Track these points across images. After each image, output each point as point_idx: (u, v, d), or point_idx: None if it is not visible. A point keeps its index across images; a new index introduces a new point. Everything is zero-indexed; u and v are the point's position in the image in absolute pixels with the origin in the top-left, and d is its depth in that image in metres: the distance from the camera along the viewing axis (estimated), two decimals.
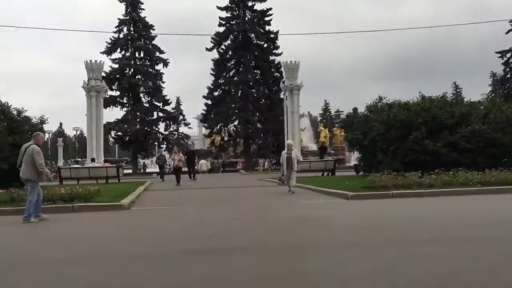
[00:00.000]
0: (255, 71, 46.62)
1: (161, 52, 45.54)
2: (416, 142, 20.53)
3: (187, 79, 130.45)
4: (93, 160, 28.14)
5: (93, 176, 24.65)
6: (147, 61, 45.57)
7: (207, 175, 35.40)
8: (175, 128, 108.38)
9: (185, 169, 25.89)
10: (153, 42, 45.80)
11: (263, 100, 45.95)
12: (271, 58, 46.12)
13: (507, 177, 15.44)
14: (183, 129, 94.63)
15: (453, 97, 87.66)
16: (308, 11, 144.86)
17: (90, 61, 31.40)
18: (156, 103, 46.06)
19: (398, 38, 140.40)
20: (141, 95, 45.17)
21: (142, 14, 45.49)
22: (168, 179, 25.70)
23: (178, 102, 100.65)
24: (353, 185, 15.89)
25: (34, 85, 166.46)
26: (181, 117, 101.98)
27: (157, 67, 45.84)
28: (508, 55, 56.33)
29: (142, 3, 45.40)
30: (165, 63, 45.33)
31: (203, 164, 40.51)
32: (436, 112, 20.97)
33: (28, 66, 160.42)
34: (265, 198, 15.02)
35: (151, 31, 45.43)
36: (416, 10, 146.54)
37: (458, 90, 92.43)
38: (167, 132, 46.89)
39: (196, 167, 31.81)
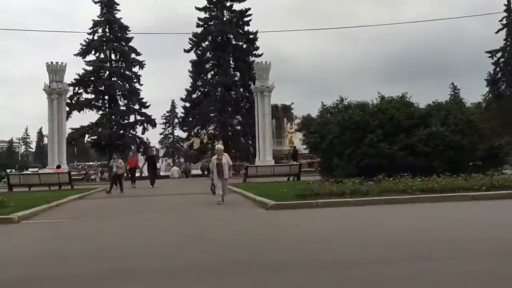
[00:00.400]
0: (235, 72, 45.63)
1: (138, 54, 44.60)
2: (371, 145, 19.40)
3: (182, 81, 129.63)
4: (43, 166, 27.12)
5: (44, 182, 23.63)
6: (123, 63, 44.59)
7: (172, 180, 34.29)
8: (170, 131, 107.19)
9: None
10: (130, 44, 44.84)
11: (243, 102, 44.89)
12: (252, 59, 45.03)
13: (451, 183, 14.25)
14: (178, 132, 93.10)
15: (451, 98, 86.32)
16: (310, 12, 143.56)
17: (52, 62, 30.42)
18: (134, 106, 45.04)
19: (400, 40, 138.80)
20: (118, 97, 44.16)
21: (118, 15, 44.57)
22: (126, 185, 24.54)
23: (173, 105, 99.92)
24: (289, 193, 14.69)
25: (34, 89, 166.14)
26: (176, 120, 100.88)
27: (134, 69, 44.88)
28: (498, 54, 55.07)
29: (117, 4, 44.50)
30: (141, 65, 44.35)
31: (175, 171, 39.51)
32: (393, 113, 19.80)
33: (28, 70, 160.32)
34: (190, 208, 13.82)
35: (127, 32, 44.45)
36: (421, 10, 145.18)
37: (456, 91, 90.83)
38: (144, 136, 45.87)
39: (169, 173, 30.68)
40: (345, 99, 22.44)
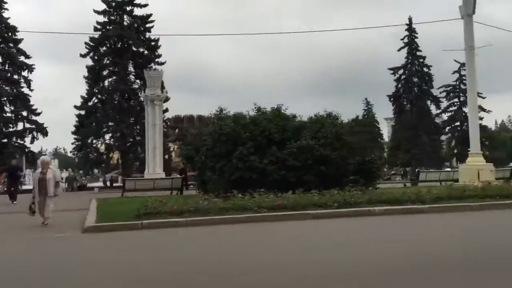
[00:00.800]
0: (136, 80, 43.52)
1: (27, 56, 41.19)
2: (241, 158, 18.38)
3: None
4: None
5: None
6: (9, 66, 40.96)
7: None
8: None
9: None
10: (20, 45, 41.30)
11: (143, 112, 42.74)
12: (154, 67, 43.14)
13: (304, 200, 13.44)
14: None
15: (364, 113, 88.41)
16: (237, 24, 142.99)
17: None
18: (22, 113, 41.44)
19: (327, 56, 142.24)
20: (3, 103, 40.40)
21: (6, 15, 40.95)
22: None
23: None
24: (131, 210, 13.11)
25: None
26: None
27: (23, 73, 41.32)
28: (400, 71, 57.17)
29: (5, 3, 40.89)
30: (30, 69, 40.99)
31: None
32: (265, 125, 18.93)
33: None
34: None
35: (16, 33, 40.86)
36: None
37: (369, 106, 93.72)
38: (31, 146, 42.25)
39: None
40: (225, 109, 21.32)
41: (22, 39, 41.03)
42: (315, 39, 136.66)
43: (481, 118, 61.46)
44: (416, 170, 32.94)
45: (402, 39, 56.62)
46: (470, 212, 13.16)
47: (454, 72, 59.98)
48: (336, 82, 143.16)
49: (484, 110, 61.36)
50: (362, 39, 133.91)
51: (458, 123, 60.67)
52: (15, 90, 40.93)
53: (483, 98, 59.35)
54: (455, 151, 61.58)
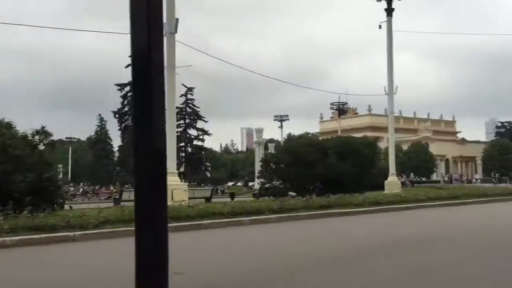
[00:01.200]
0: None
1: None
2: None
3: None
4: None
5: None
6: None
7: None
8: None
9: None
10: None
11: None
12: None
13: None
14: None
15: (97, 129, 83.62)
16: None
17: None
18: None
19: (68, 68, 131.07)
20: None
21: None
22: None
23: None
24: None
25: None
26: None
27: None
28: (127, 88, 56.12)
29: None
30: None
31: None
32: None
33: None
34: None
35: None
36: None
37: (103, 122, 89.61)
38: None
39: None
40: None
41: None
42: (61, 48, 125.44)
43: (202, 140, 65.82)
44: (120, 189, 31.57)
45: (130, 56, 55.73)
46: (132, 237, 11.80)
47: (181, 96, 62.28)
48: (77, 95, 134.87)
49: (206, 132, 65.43)
50: (103, 54, 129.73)
51: (182, 144, 63.01)
52: None
53: (206, 121, 63.24)
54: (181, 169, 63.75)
